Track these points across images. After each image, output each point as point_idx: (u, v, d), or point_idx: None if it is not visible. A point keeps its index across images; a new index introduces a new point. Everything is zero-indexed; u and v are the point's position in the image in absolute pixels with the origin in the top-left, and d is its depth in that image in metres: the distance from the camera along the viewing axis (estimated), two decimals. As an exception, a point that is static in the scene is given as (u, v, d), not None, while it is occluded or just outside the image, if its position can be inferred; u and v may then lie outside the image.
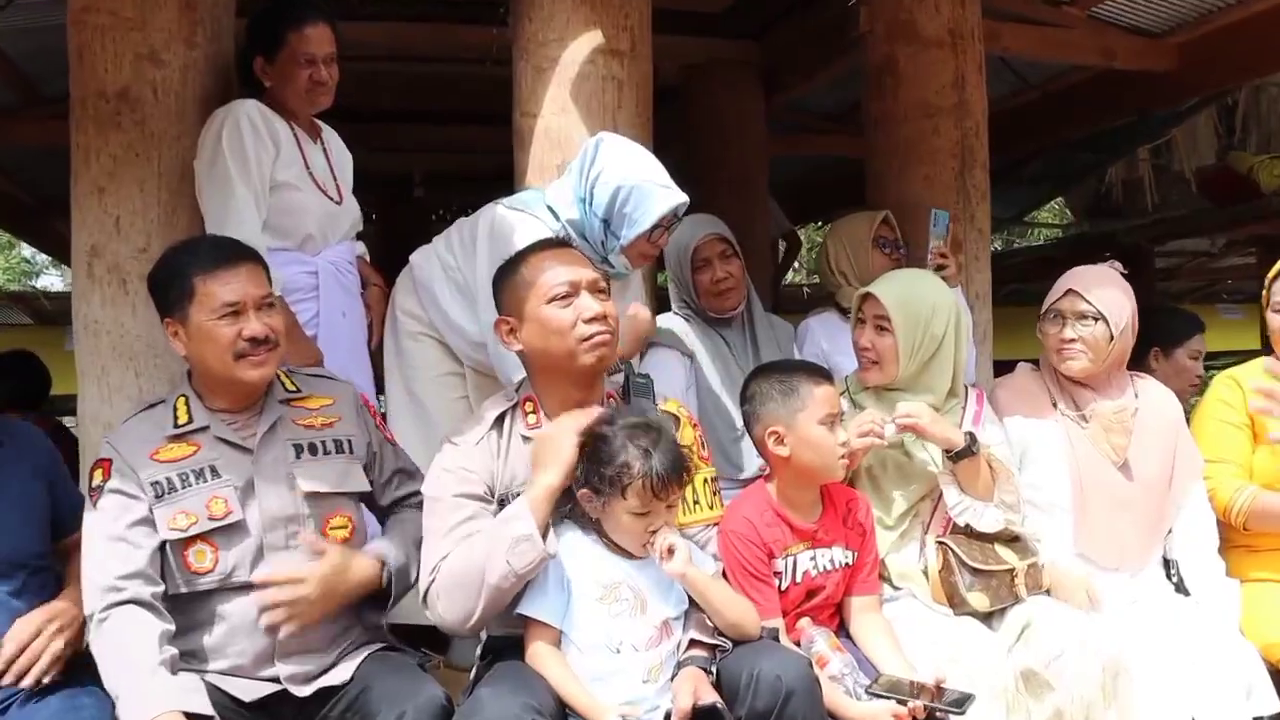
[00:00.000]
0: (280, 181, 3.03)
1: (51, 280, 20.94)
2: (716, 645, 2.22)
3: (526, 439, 2.32)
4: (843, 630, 2.53)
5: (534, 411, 2.36)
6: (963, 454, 2.60)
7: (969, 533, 2.65)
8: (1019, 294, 7.64)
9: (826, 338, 3.47)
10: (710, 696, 2.09)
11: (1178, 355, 4.01)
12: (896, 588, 2.66)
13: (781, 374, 2.52)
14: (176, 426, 2.27)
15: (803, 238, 9.24)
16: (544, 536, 2.14)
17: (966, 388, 2.87)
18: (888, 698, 2.25)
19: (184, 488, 2.21)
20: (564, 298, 2.30)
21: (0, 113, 5.40)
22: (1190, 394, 3.97)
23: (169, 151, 3.08)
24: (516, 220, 2.85)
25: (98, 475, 2.22)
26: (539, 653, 2.18)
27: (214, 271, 2.27)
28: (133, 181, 3.07)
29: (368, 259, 3.38)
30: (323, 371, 2.60)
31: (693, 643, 2.23)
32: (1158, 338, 3.90)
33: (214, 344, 2.25)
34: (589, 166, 2.80)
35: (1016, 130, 5.73)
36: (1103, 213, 8.64)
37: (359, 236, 3.47)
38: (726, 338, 3.30)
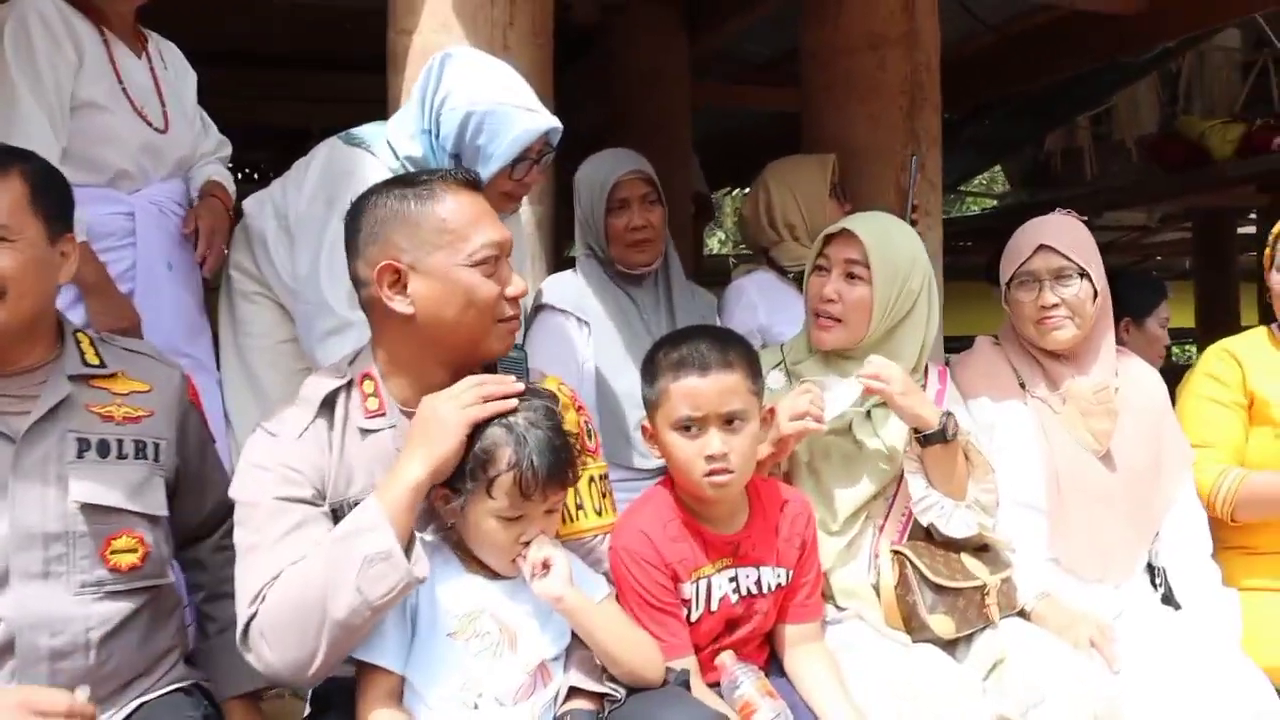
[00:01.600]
0: (84, 100, 2.47)
1: None
2: (605, 694, 1.69)
3: (366, 432, 1.76)
4: (774, 665, 2.01)
5: (374, 394, 1.78)
6: (935, 437, 2.09)
7: (931, 539, 2.15)
8: (955, 268, 7.28)
9: (761, 296, 2.97)
10: (593, 759, 1.56)
11: (1149, 325, 3.68)
12: (841, 608, 2.13)
13: (664, 352, 1.94)
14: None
15: (724, 202, 8.72)
16: (408, 552, 1.59)
17: (927, 365, 2.36)
18: None
19: None
20: (489, 261, 1.74)
21: None
22: (1157, 365, 3.56)
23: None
24: (352, 158, 2.31)
25: None
26: (371, 708, 1.63)
27: None
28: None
29: (229, 185, 2.79)
30: (147, 348, 1.98)
31: (574, 691, 1.69)
32: (1128, 307, 3.54)
33: None
34: (433, 90, 2.28)
35: (970, 77, 5.30)
36: (1041, 182, 8.43)
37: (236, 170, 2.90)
38: (636, 298, 2.76)
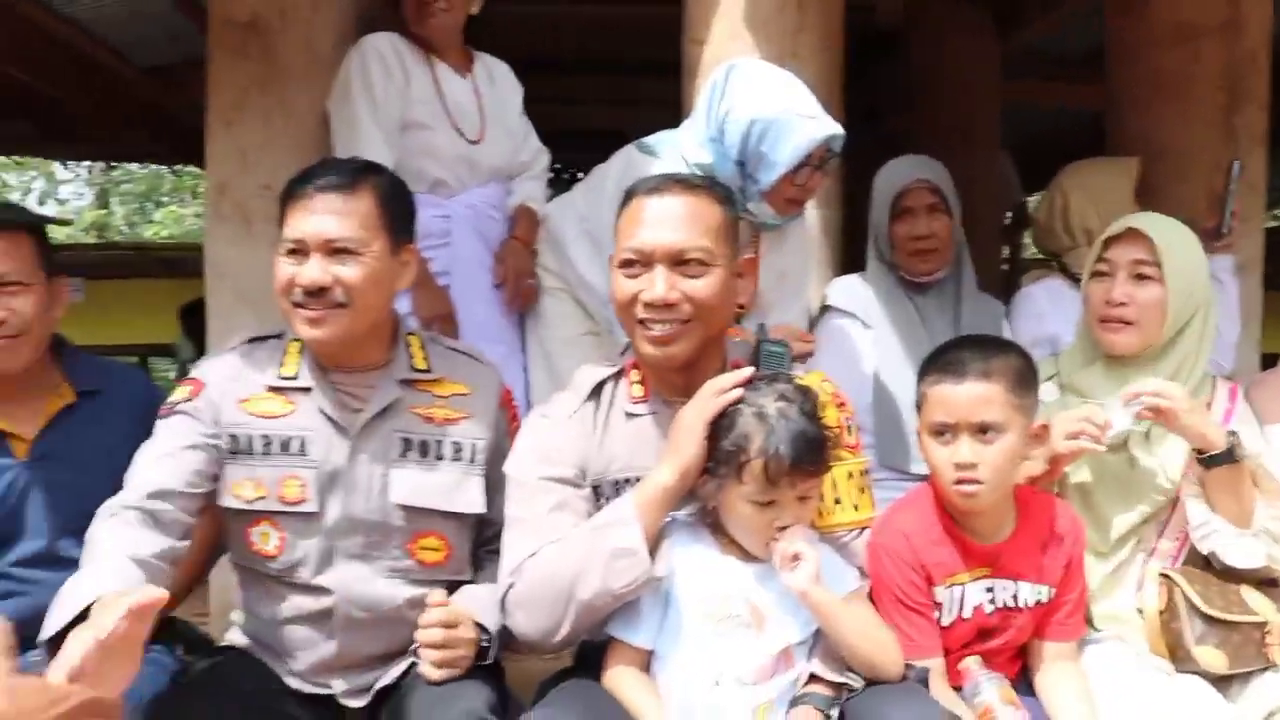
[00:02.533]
0: (410, 120, 2.78)
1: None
2: (844, 683, 1.73)
3: (631, 415, 1.89)
4: (1023, 678, 1.97)
5: (640, 383, 1.92)
6: (1220, 459, 1.98)
7: (1209, 568, 2.03)
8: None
9: (1051, 304, 2.88)
10: (823, 748, 1.61)
11: None
12: (1097, 629, 2.06)
13: (932, 358, 1.96)
14: (280, 377, 1.94)
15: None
16: (652, 551, 1.71)
17: (1214, 380, 2.23)
18: None
19: (263, 454, 1.89)
20: (631, 265, 1.85)
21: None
22: None
23: (297, 82, 2.91)
24: (649, 166, 2.45)
25: (182, 391, 1.94)
26: (618, 678, 1.76)
27: (296, 199, 1.91)
28: (258, 115, 2.90)
29: (538, 209, 2.96)
30: (469, 349, 2.14)
31: (814, 677, 1.75)
32: None
33: (276, 284, 1.91)
34: (718, 100, 2.39)
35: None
36: None
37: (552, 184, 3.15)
38: (920, 306, 2.75)
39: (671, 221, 1.82)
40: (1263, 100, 3.20)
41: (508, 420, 2.05)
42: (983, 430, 1.85)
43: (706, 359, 1.86)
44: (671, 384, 1.88)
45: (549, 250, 2.77)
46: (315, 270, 1.84)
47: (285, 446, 1.89)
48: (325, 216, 1.86)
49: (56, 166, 16.99)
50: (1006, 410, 1.85)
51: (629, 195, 1.91)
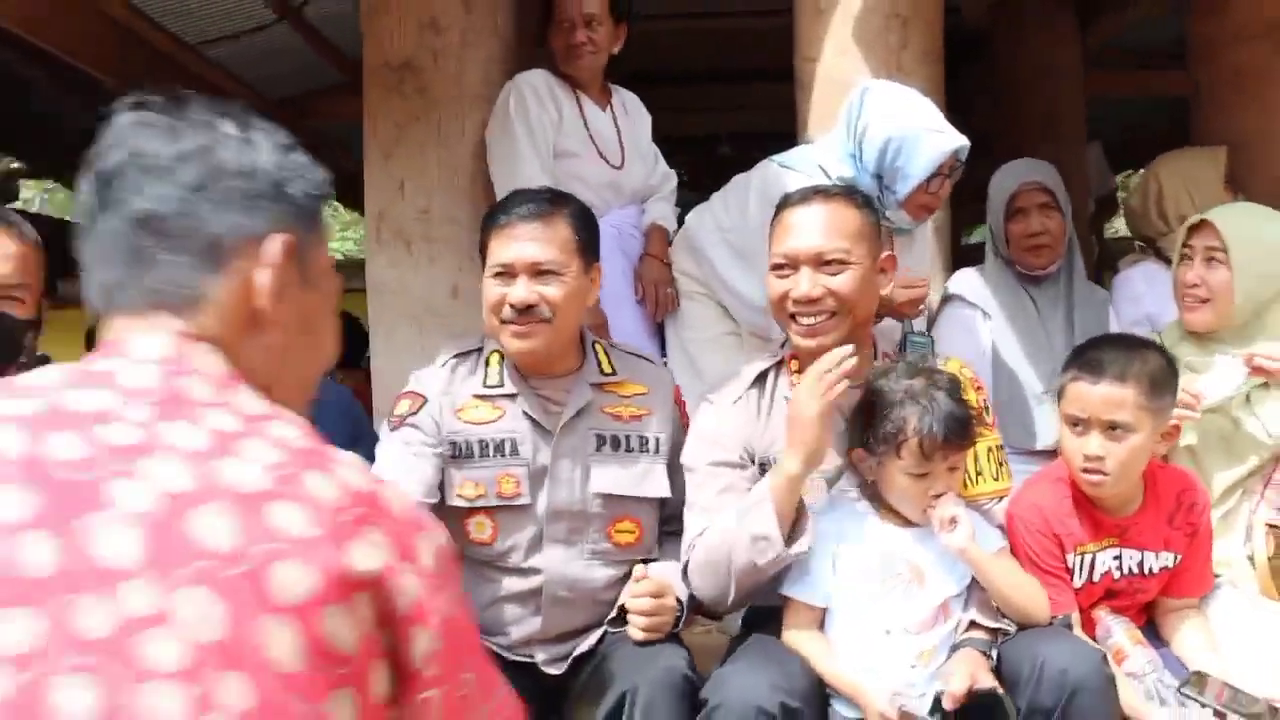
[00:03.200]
0: (562, 150, 3.04)
1: (341, 245, 22.72)
2: (999, 628, 1.99)
3: (790, 399, 2.14)
4: (1149, 628, 2.20)
5: (799, 371, 2.18)
6: None
7: (1312, 517, 2.26)
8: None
9: (1148, 285, 3.10)
10: (988, 681, 1.87)
11: None
12: (1215, 575, 2.28)
13: (1079, 353, 2.17)
14: (486, 385, 2.18)
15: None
16: (793, 527, 1.97)
17: None
18: (1203, 703, 1.91)
19: (480, 456, 2.13)
20: (781, 269, 2.14)
21: (329, 90, 5.79)
22: None
23: (448, 115, 3.18)
24: (787, 179, 2.68)
25: (405, 404, 2.18)
26: (796, 636, 2.03)
27: (500, 227, 2.15)
28: (414, 145, 3.17)
29: (668, 226, 3.22)
30: (643, 353, 2.43)
31: (972, 624, 2.01)
32: None
33: (484, 305, 2.17)
34: (855, 119, 2.61)
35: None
36: None
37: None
38: (1035, 297, 2.96)
39: (813, 227, 2.10)
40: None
41: (680, 414, 2.31)
42: (1113, 428, 2.05)
43: (857, 347, 2.11)
44: None
45: (689, 257, 2.99)
46: (523, 290, 2.09)
47: (499, 448, 2.13)
48: (529, 243, 2.11)
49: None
50: (1138, 413, 2.03)
51: (779, 208, 2.19)
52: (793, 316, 2.11)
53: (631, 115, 3.26)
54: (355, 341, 5.00)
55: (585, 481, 2.15)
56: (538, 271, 2.11)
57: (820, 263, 2.09)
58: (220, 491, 0.83)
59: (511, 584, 2.14)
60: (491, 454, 2.13)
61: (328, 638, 0.82)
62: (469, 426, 2.14)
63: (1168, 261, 3.12)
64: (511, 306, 2.10)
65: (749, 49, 5.82)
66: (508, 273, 2.12)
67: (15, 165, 7.67)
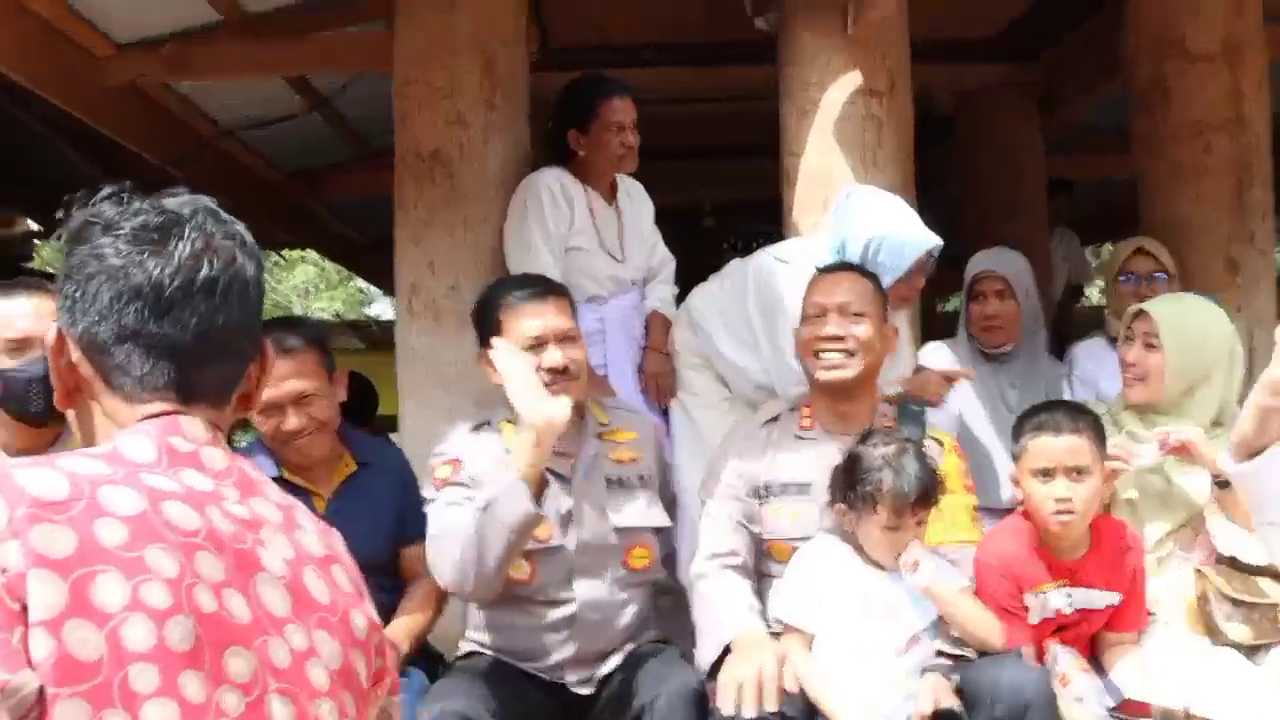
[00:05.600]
0: (572, 246, 3.36)
1: (381, 308, 23.03)
2: (961, 655, 2.35)
3: (799, 436, 2.60)
4: (1093, 660, 2.55)
5: (809, 417, 2.62)
6: (1229, 483, 2.57)
7: (1233, 564, 2.62)
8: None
9: (1092, 362, 3.48)
10: (950, 701, 2.22)
11: None
12: (1149, 613, 2.64)
13: (1030, 417, 2.56)
14: (507, 451, 2.41)
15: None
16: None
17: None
18: None
19: None
20: (813, 318, 2.57)
21: (339, 166, 6.17)
22: None
23: (473, 201, 3.52)
24: (781, 271, 3.07)
25: (447, 469, 2.45)
26: (791, 649, 2.36)
27: (520, 306, 2.50)
28: (443, 228, 3.53)
29: (668, 313, 3.51)
30: (624, 404, 2.83)
31: (939, 652, 2.36)
32: None
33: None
34: (841, 222, 2.99)
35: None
36: None
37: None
38: (997, 370, 3.36)
39: (840, 287, 2.59)
40: (1266, 179, 3.79)
41: (663, 453, 2.72)
42: (1077, 472, 2.44)
43: (863, 398, 2.56)
44: (833, 415, 2.56)
45: (690, 332, 3.32)
46: (558, 355, 2.46)
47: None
48: (552, 316, 2.49)
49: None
50: (1092, 457, 2.45)
51: (815, 277, 2.67)
52: (816, 354, 2.53)
53: (635, 202, 3.59)
54: (364, 399, 5.32)
55: (603, 519, 2.51)
56: (564, 338, 2.49)
57: (845, 312, 2.53)
58: (307, 557, 1.12)
59: (547, 615, 2.47)
60: None
61: (373, 664, 1.15)
62: None
63: (1113, 340, 3.53)
64: (547, 370, 2.43)
65: (730, 128, 6.25)
66: (541, 342, 2.47)
67: (34, 227, 7.97)
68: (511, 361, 2.32)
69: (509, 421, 2.48)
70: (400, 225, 3.61)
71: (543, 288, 2.58)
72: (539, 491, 2.23)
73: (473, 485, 2.39)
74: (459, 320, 3.51)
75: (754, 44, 4.09)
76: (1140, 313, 2.81)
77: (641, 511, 2.57)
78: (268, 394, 2.42)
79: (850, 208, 2.99)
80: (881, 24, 3.41)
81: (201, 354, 1.12)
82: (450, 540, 2.27)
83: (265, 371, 1.25)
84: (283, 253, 13.30)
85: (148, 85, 4.35)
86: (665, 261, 3.67)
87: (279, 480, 2.53)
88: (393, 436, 3.80)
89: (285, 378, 2.49)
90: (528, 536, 2.28)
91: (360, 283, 22.70)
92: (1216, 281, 3.60)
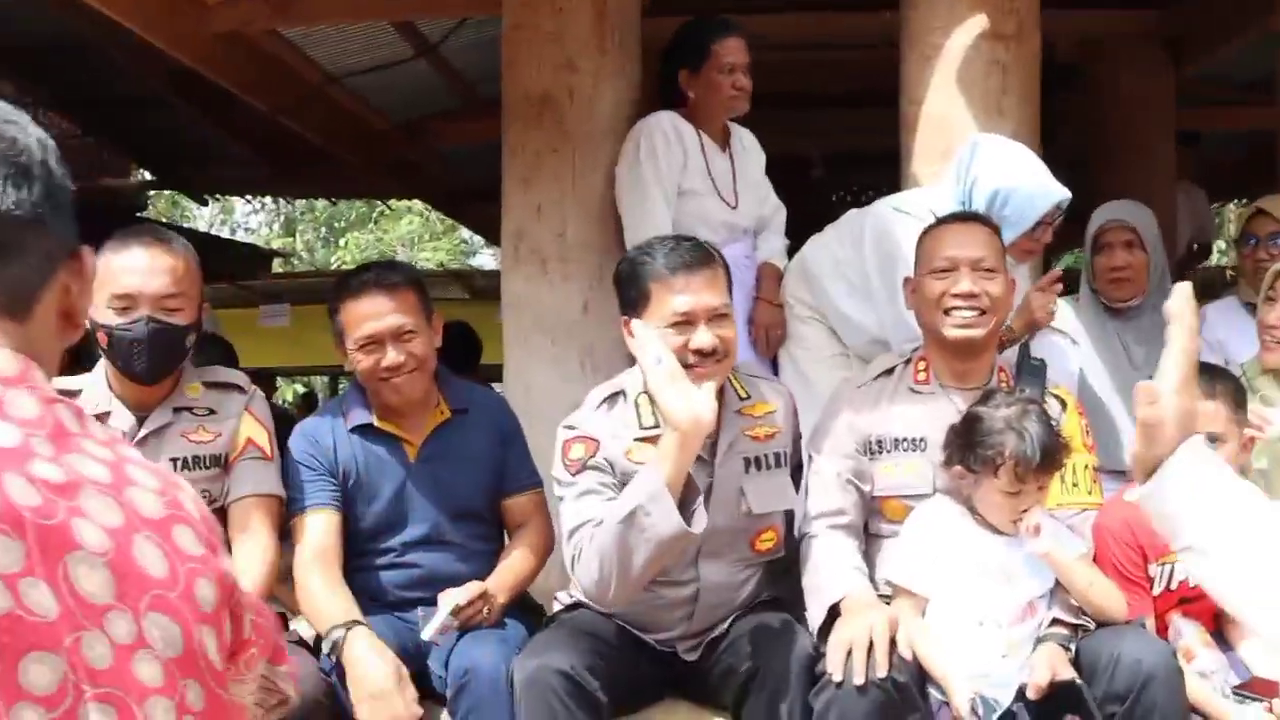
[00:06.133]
0: (685, 189, 3.30)
1: (484, 260, 23.29)
2: (1079, 625, 2.25)
3: (913, 390, 2.50)
4: (1218, 634, 2.43)
5: (924, 370, 2.52)
6: None
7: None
8: None
9: (1223, 325, 3.30)
10: (1068, 673, 2.13)
11: None
12: None
13: None
14: (643, 428, 2.33)
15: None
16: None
17: None
18: (1260, 700, 2.16)
19: None
20: (943, 271, 2.43)
21: (445, 113, 6.17)
22: None
23: (582, 147, 3.49)
24: (901, 222, 2.96)
25: (580, 449, 2.31)
26: (903, 613, 2.28)
27: (669, 279, 2.27)
28: (551, 174, 3.50)
29: (779, 264, 3.44)
30: (759, 371, 2.71)
31: (1055, 621, 2.27)
32: None
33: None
34: (965, 172, 2.88)
35: None
36: None
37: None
38: (1120, 328, 3.21)
39: (971, 240, 2.47)
40: None
41: (796, 424, 2.58)
42: (1210, 439, 2.30)
43: (984, 355, 2.46)
44: (951, 371, 2.46)
45: (804, 285, 3.24)
46: (707, 336, 2.24)
47: None
48: (704, 292, 2.26)
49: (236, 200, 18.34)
50: (1226, 423, 2.34)
51: (935, 224, 2.56)
52: (947, 311, 2.41)
53: (749, 151, 3.53)
54: (467, 348, 5.35)
55: (739, 501, 2.38)
56: (715, 316, 2.28)
57: (979, 268, 2.41)
58: (140, 522, 0.91)
59: (669, 594, 2.37)
60: None
61: (227, 635, 0.97)
62: (638, 467, 2.24)
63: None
64: (694, 351, 2.24)
65: (843, 77, 6.11)
66: (689, 320, 2.25)
67: (147, 177, 8.19)
68: (655, 352, 2.12)
69: (646, 394, 2.32)
70: (507, 170, 3.59)
71: (697, 257, 2.31)
72: (685, 497, 2.08)
73: (610, 472, 2.29)
74: (565, 268, 3.50)
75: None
76: None
77: (778, 494, 2.44)
78: (369, 328, 2.48)
79: (976, 157, 2.87)
80: (1009, -36, 3.26)
81: None
82: (590, 553, 2.15)
83: (85, 282, 1.01)
84: (389, 203, 13.47)
85: (255, 33, 4.36)
86: (777, 210, 3.59)
87: (371, 428, 2.59)
88: (495, 386, 3.82)
89: (387, 312, 2.50)
90: (677, 552, 2.17)
91: (464, 233, 22.97)
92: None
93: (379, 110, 5.82)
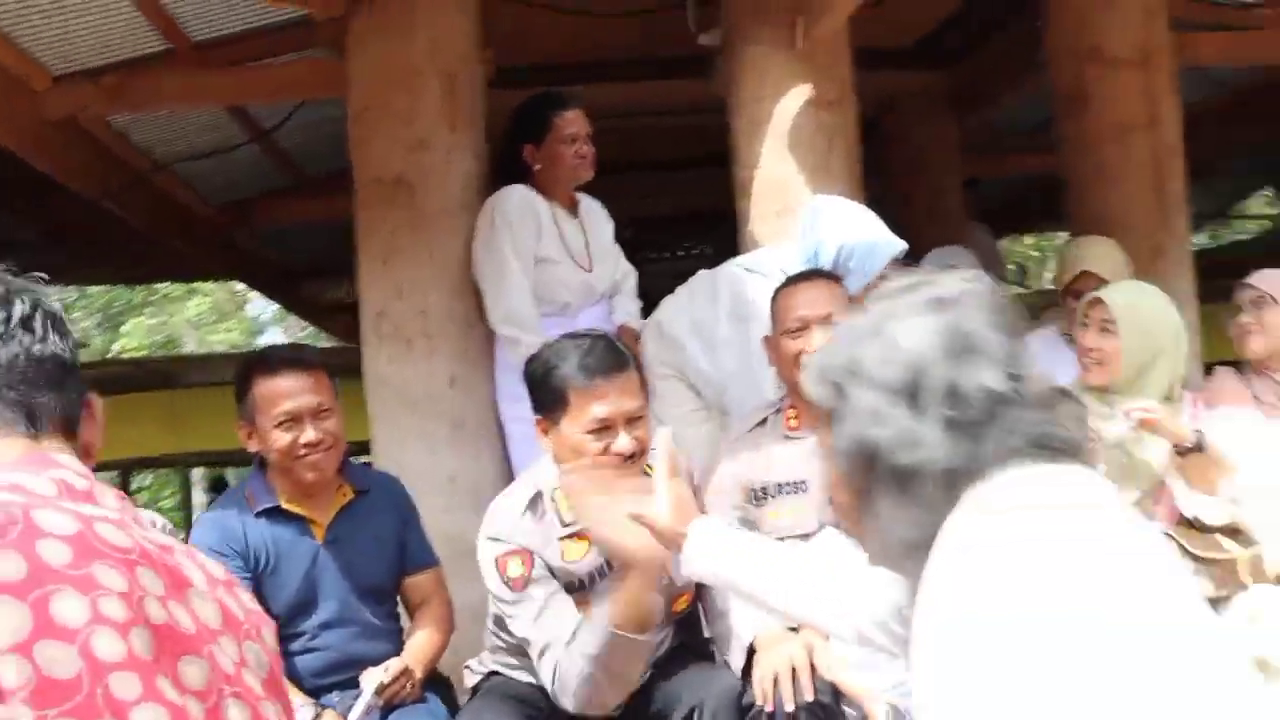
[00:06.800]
0: (542, 258, 3.43)
1: (273, 337, 22.65)
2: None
3: (788, 437, 2.69)
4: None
5: (795, 417, 2.72)
6: (1191, 450, 2.77)
7: (1194, 525, 2.82)
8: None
9: (1046, 354, 3.62)
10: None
11: None
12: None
13: None
14: (565, 526, 2.39)
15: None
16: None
17: (1186, 393, 3.04)
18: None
19: (591, 585, 2.40)
20: (796, 331, 2.66)
21: (269, 194, 6.13)
22: None
23: (439, 224, 3.57)
24: (751, 282, 3.19)
25: (518, 562, 2.33)
26: (814, 639, 2.40)
27: (588, 387, 2.27)
28: (409, 252, 3.56)
29: (636, 326, 3.58)
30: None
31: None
32: None
33: (581, 455, 2.29)
34: (810, 231, 3.13)
35: (1215, 132, 5.73)
36: None
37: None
38: None
39: (821, 298, 2.67)
40: (1180, 174, 4.08)
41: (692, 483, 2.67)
42: None
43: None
44: (816, 418, 2.65)
45: (663, 345, 3.38)
46: (626, 440, 2.27)
47: (601, 573, 2.39)
48: (623, 399, 2.28)
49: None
50: None
51: (786, 284, 2.76)
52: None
53: (597, 217, 3.68)
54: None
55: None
56: (631, 420, 2.30)
57: (828, 324, 2.60)
58: (214, 580, 1.14)
59: None
60: (597, 580, 2.41)
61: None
62: (571, 566, 2.37)
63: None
64: (619, 454, 2.26)
65: (657, 144, 6.39)
66: (610, 426, 2.27)
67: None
68: (604, 507, 2.00)
69: (560, 490, 2.40)
70: (364, 251, 3.64)
71: (614, 362, 2.31)
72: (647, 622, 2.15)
73: (553, 577, 2.34)
74: (430, 344, 3.56)
75: (682, 60, 4.25)
76: (1097, 300, 3.00)
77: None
78: (289, 405, 2.53)
79: (819, 218, 3.12)
80: (829, 37, 3.57)
81: (38, 381, 1.14)
82: (571, 679, 2.21)
83: (96, 424, 1.23)
84: (169, 286, 13.03)
85: (86, 119, 4.28)
86: (628, 274, 3.74)
87: (277, 511, 2.61)
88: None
89: (303, 390, 2.54)
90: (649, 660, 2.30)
91: (251, 311, 22.32)
92: (1143, 269, 3.82)
93: (202, 193, 5.72)
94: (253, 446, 2.60)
